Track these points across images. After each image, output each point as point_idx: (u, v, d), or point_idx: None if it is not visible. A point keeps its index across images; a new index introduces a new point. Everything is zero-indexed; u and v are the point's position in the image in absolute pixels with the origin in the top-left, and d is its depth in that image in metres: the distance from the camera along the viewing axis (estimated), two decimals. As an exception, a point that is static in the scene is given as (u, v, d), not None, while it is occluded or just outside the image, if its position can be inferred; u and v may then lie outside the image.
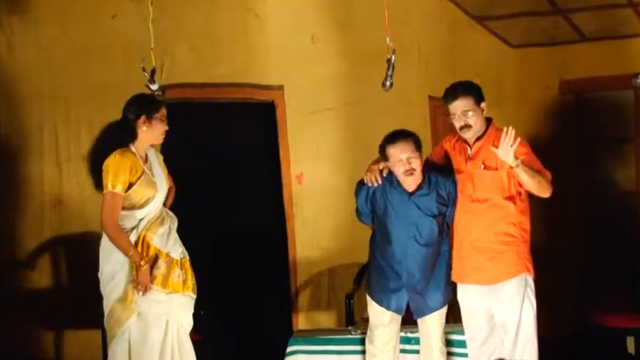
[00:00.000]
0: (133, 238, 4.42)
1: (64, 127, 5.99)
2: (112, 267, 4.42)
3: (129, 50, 5.85)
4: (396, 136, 4.62)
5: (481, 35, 7.30)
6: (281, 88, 6.43)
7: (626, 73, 7.13)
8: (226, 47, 6.32)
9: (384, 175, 4.70)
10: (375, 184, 4.69)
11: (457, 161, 4.66)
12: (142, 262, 4.35)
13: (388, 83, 4.80)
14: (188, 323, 4.59)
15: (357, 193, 4.81)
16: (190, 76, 6.20)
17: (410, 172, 4.57)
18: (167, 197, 4.67)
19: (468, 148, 4.59)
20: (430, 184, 4.66)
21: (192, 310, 4.59)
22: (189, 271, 4.58)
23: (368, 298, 4.88)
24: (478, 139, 4.54)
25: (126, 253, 4.36)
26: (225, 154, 6.37)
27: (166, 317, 4.47)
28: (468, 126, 4.49)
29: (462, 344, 4.89)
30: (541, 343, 4.58)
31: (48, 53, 5.98)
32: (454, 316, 4.94)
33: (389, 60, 4.71)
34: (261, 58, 6.39)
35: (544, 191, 4.36)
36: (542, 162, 4.46)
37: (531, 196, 4.54)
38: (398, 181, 4.67)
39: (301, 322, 6.39)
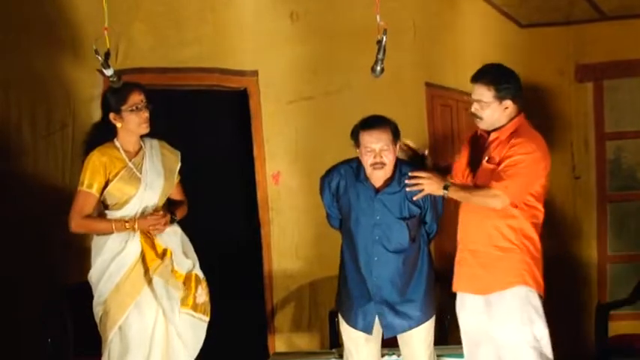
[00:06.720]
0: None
1: (4, 117, 5.92)
2: (100, 266, 4.63)
3: (78, 30, 5.84)
4: (373, 122, 4.62)
5: (486, 13, 7.34)
6: (255, 73, 6.47)
7: (653, 56, 7.23)
8: (192, 27, 6.31)
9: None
10: None
11: (471, 155, 4.66)
12: (128, 225, 4.59)
13: (378, 68, 4.74)
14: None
15: (321, 190, 4.84)
16: (150, 59, 6.19)
17: (379, 165, 4.57)
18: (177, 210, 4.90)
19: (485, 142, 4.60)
20: (401, 180, 4.63)
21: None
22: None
23: (340, 315, 4.85)
24: (494, 130, 4.54)
25: (109, 231, 4.60)
26: (190, 150, 6.31)
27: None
28: (476, 116, 4.54)
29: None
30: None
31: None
32: (453, 336, 4.94)
33: (379, 41, 4.66)
34: (233, 39, 6.40)
35: (490, 205, 4.37)
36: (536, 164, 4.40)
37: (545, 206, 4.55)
38: (365, 174, 4.66)
39: (279, 344, 6.41)
